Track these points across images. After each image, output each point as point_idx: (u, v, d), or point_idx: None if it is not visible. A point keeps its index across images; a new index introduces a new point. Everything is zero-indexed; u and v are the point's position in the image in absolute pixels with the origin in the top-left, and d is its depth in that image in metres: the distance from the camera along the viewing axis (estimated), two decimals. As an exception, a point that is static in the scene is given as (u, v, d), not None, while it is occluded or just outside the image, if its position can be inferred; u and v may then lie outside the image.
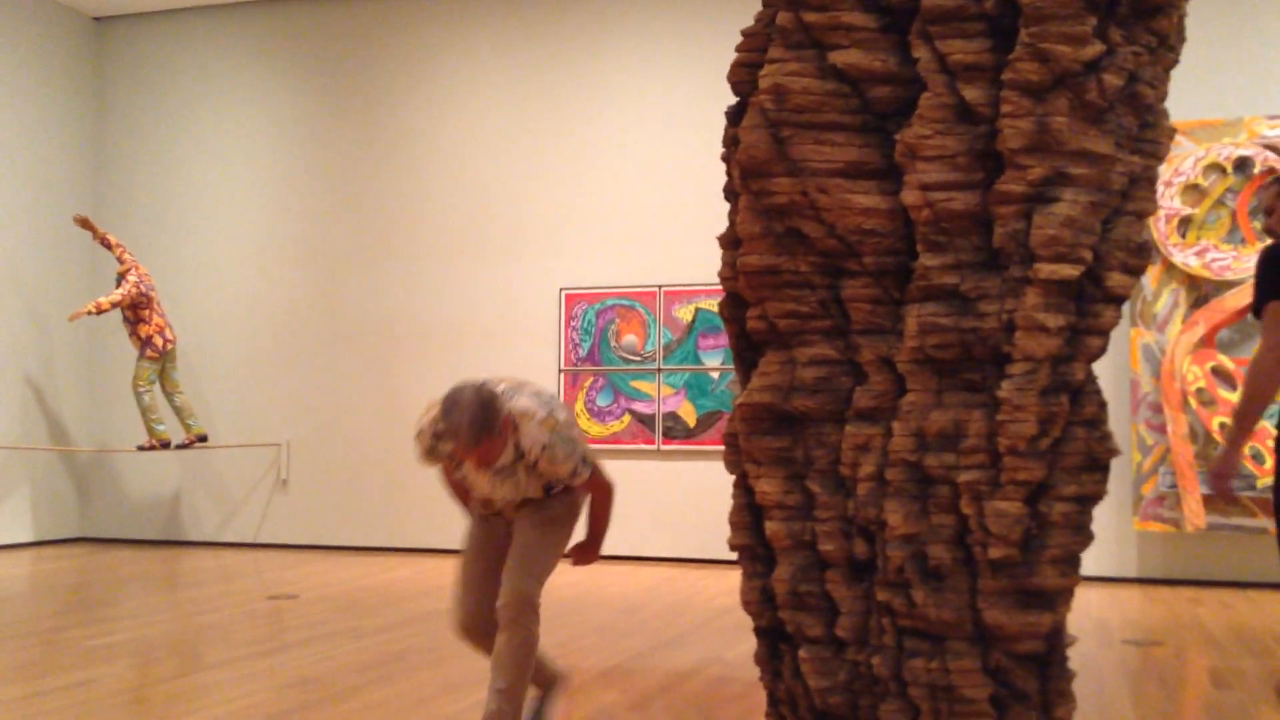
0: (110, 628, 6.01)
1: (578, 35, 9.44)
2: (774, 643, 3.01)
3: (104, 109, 10.62)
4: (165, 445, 9.33)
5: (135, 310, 9.18)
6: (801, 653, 2.87)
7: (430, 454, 3.55)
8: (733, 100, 3.02)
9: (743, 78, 2.92)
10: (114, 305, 9.05)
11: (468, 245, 9.61)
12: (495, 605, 3.61)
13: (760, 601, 2.99)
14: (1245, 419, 3.77)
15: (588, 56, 9.43)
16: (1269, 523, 7.46)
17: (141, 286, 9.18)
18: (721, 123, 3.08)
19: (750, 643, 5.31)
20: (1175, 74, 3.02)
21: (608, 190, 9.28)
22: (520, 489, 3.60)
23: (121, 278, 9.20)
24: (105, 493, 10.39)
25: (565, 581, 7.79)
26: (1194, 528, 7.60)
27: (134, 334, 9.25)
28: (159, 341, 9.24)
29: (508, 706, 3.52)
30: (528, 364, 9.33)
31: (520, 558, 3.62)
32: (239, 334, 10.14)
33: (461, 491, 3.87)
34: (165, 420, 9.39)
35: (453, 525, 9.43)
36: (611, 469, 9.22)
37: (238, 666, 5.09)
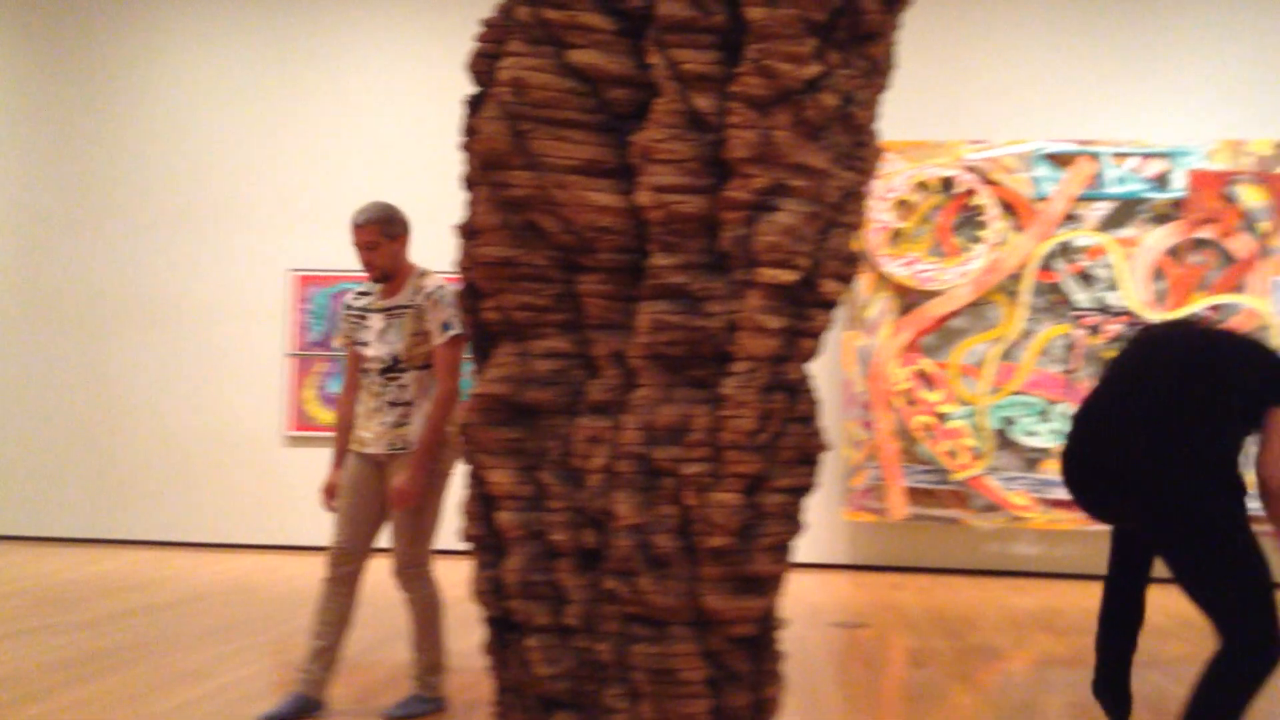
0: None
1: (319, 5, 9.13)
2: (502, 632, 3.02)
3: None
4: None
5: None
6: (529, 641, 2.90)
7: (344, 320, 4.28)
8: (473, 89, 3.02)
9: (482, 68, 2.92)
10: None
11: (189, 217, 9.12)
12: (362, 540, 4.16)
13: (491, 592, 3.00)
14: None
15: (328, 27, 9.14)
16: (962, 514, 8.14)
17: None
18: (462, 110, 3.06)
19: (479, 633, 5.31)
20: (892, 97, 3.27)
21: (343, 170, 9.03)
22: (401, 340, 4.11)
23: None
24: None
25: (284, 575, 7.56)
26: (897, 518, 8.19)
27: None
28: None
29: (425, 657, 4.21)
30: (250, 345, 8.96)
31: (398, 523, 4.13)
32: (-75, 307, 9.22)
33: (347, 403, 4.30)
34: None
35: (167, 515, 8.94)
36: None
37: (-86, 671, 4.64)
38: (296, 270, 8.96)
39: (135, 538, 8.95)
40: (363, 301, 4.26)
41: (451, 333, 4.10)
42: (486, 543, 3.03)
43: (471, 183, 2.99)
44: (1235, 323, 7.99)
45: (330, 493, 4.27)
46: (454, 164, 8.46)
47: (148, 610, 6.11)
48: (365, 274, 4.20)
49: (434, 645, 4.21)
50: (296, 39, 9.15)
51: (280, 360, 8.94)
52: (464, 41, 8.86)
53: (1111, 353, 3.92)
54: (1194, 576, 3.15)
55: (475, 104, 2.96)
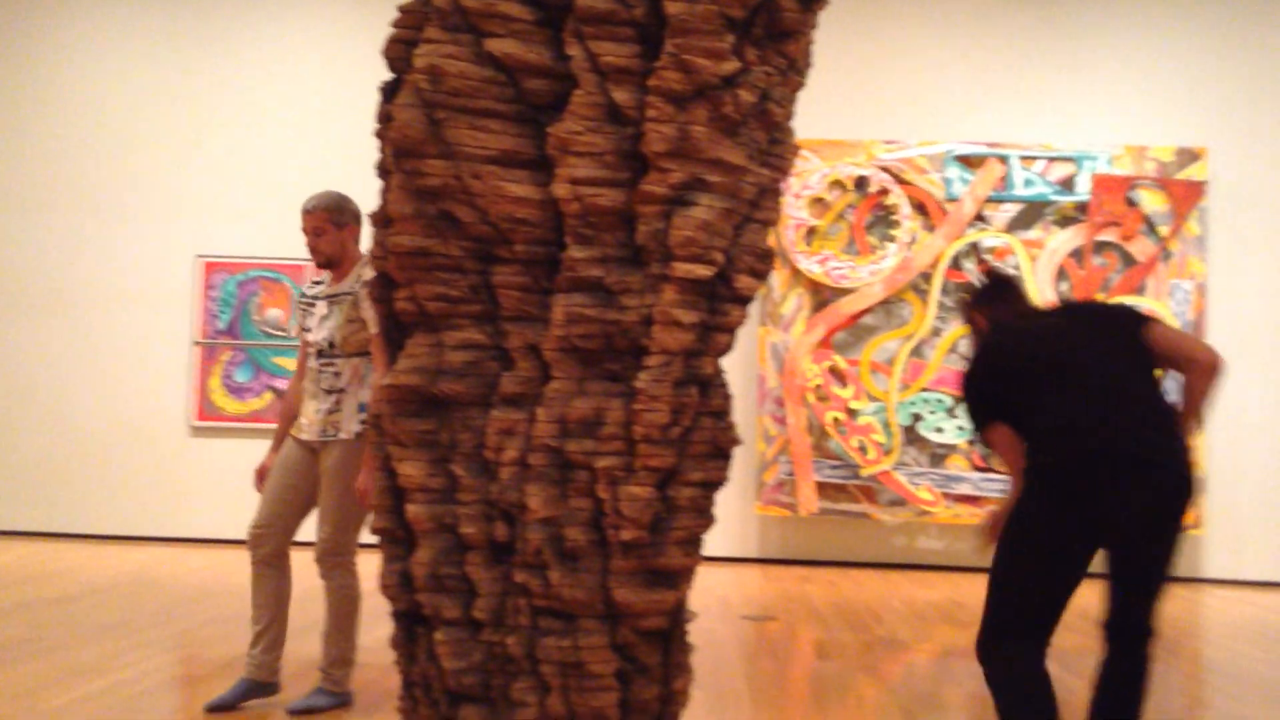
0: None
1: (230, -10, 8.94)
2: (410, 626, 2.99)
3: None
4: None
5: None
6: (437, 635, 2.88)
7: (296, 307, 4.38)
8: (388, 75, 2.97)
9: (398, 54, 2.87)
10: None
11: (93, 200, 8.86)
12: (281, 520, 4.14)
13: (399, 585, 2.96)
14: None
15: (239, 9, 8.93)
16: (871, 507, 8.27)
17: None
18: (376, 96, 3.02)
19: (386, 628, 5.25)
20: (809, 95, 3.29)
21: (254, 156, 8.85)
22: (338, 326, 4.13)
23: None
24: None
25: (187, 569, 7.39)
26: (807, 512, 8.29)
27: None
28: None
29: (334, 649, 4.14)
30: (157, 333, 8.74)
31: (325, 508, 4.11)
32: None
33: (295, 390, 4.30)
34: None
35: (66, 506, 8.69)
36: (250, 449, 8.84)
37: None
38: (204, 256, 8.76)
39: (31, 529, 8.68)
40: (314, 290, 4.34)
41: None
42: (395, 536, 2.99)
43: (385, 171, 2.95)
44: (1134, 324, 8.24)
45: (263, 475, 4.28)
46: (369, 151, 8.34)
47: (43, 604, 5.93)
48: (311, 260, 4.29)
49: (345, 638, 4.17)
50: (208, 20, 8.93)
51: (186, 348, 8.74)
52: (380, 26, 8.73)
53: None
54: (1169, 562, 3.10)
55: (390, 91, 2.92)
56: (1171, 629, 6.26)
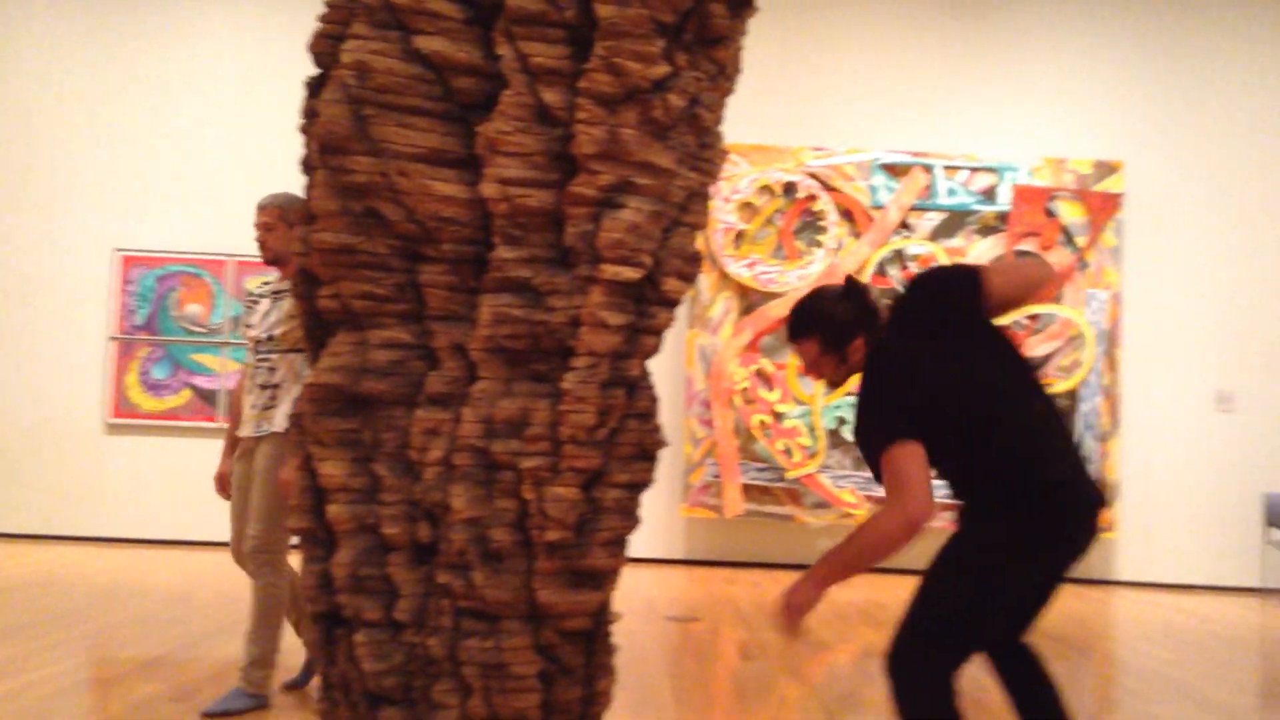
0: None
1: (153, -22, 8.75)
2: (330, 628, 2.96)
3: None
4: None
5: None
6: (358, 636, 2.85)
7: (244, 306, 4.29)
8: (314, 70, 2.94)
9: (325, 49, 2.84)
10: None
11: (6, 191, 8.61)
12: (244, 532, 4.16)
13: (319, 586, 2.93)
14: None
15: (166, 2, 8.75)
16: (795, 510, 8.35)
17: None
18: (302, 91, 2.97)
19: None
20: (738, 101, 3.33)
21: (178, 147, 8.67)
22: (278, 320, 4.14)
23: None
24: None
25: (101, 568, 7.23)
26: (733, 514, 8.35)
27: None
28: None
29: (254, 649, 4.07)
30: (71, 328, 8.52)
31: (255, 504, 4.09)
32: None
33: (240, 393, 4.31)
34: None
35: (-27, 505, 8.44)
36: (167, 447, 8.66)
37: None
38: (122, 250, 8.56)
39: (-65, 527, 8.43)
40: (262, 288, 4.35)
41: None
42: (316, 536, 2.95)
43: (310, 167, 2.91)
44: (1052, 332, 8.43)
45: (221, 481, 4.32)
46: (294, 146, 8.24)
47: (-53, 605, 5.75)
48: (260, 255, 4.30)
49: (268, 639, 4.11)
50: (131, 10, 8.73)
51: (102, 344, 8.53)
52: (307, 21, 8.62)
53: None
54: None
55: (316, 86, 2.88)
56: (1083, 630, 6.41)
